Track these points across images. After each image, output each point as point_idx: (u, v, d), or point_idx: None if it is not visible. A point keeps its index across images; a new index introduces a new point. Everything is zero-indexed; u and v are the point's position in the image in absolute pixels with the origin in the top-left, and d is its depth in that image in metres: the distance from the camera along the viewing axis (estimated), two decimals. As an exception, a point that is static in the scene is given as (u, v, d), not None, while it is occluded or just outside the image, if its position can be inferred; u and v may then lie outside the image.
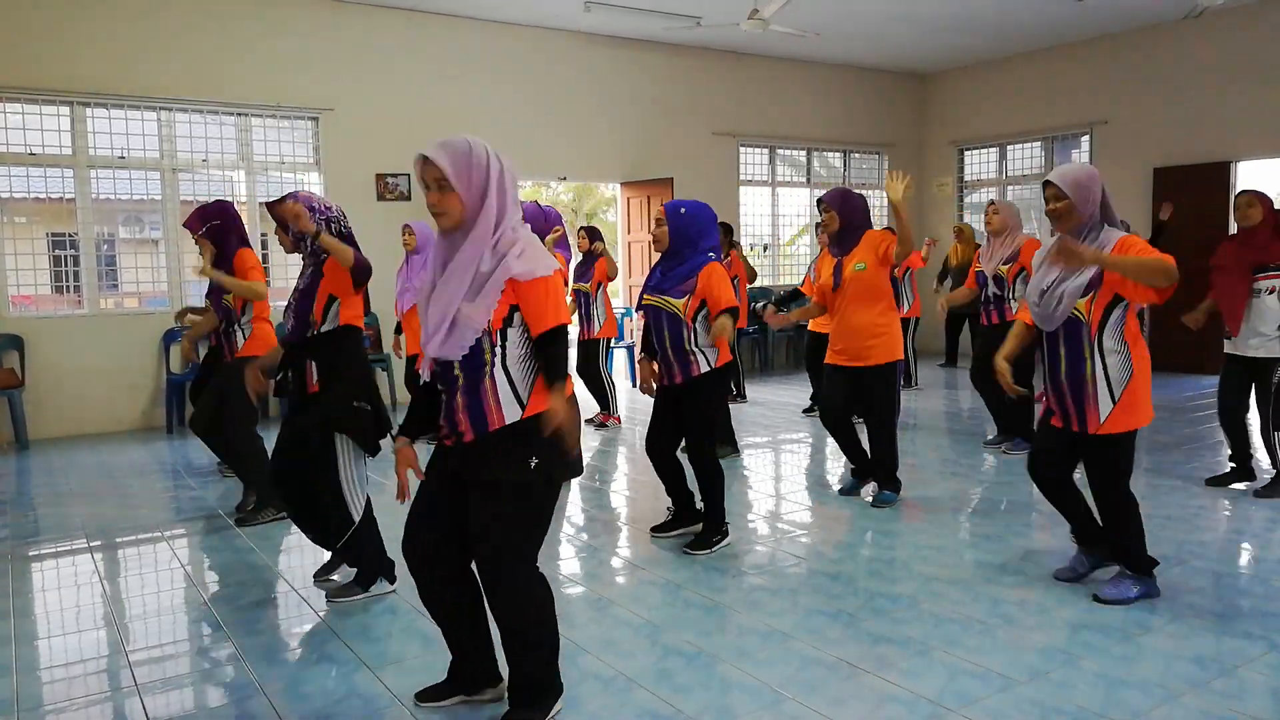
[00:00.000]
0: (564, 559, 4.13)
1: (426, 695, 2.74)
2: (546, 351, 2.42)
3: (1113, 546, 3.48)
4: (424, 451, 2.50)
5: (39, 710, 2.77)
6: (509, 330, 2.39)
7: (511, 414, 2.38)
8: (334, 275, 3.48)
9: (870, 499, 4.82)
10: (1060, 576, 3.65)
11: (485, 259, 2.35)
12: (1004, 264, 5.64)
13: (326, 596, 3.60)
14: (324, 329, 3.50)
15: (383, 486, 5.45)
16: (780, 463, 5.97)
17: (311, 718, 2.67)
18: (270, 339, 4.73)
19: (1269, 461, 4.91)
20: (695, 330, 4.00)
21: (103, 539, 4.53)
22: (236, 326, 4.73)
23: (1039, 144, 11.10)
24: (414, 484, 2.55)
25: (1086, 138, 10.57)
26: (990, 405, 6.09)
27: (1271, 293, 4.67)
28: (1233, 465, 5.08)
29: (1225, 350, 4.90)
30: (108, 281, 8.13)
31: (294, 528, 4.38)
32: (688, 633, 3.21)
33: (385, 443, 3.49)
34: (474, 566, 2.51)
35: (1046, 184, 3.35)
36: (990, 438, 6.22)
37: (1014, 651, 2.98)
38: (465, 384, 2.39)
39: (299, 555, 4.24)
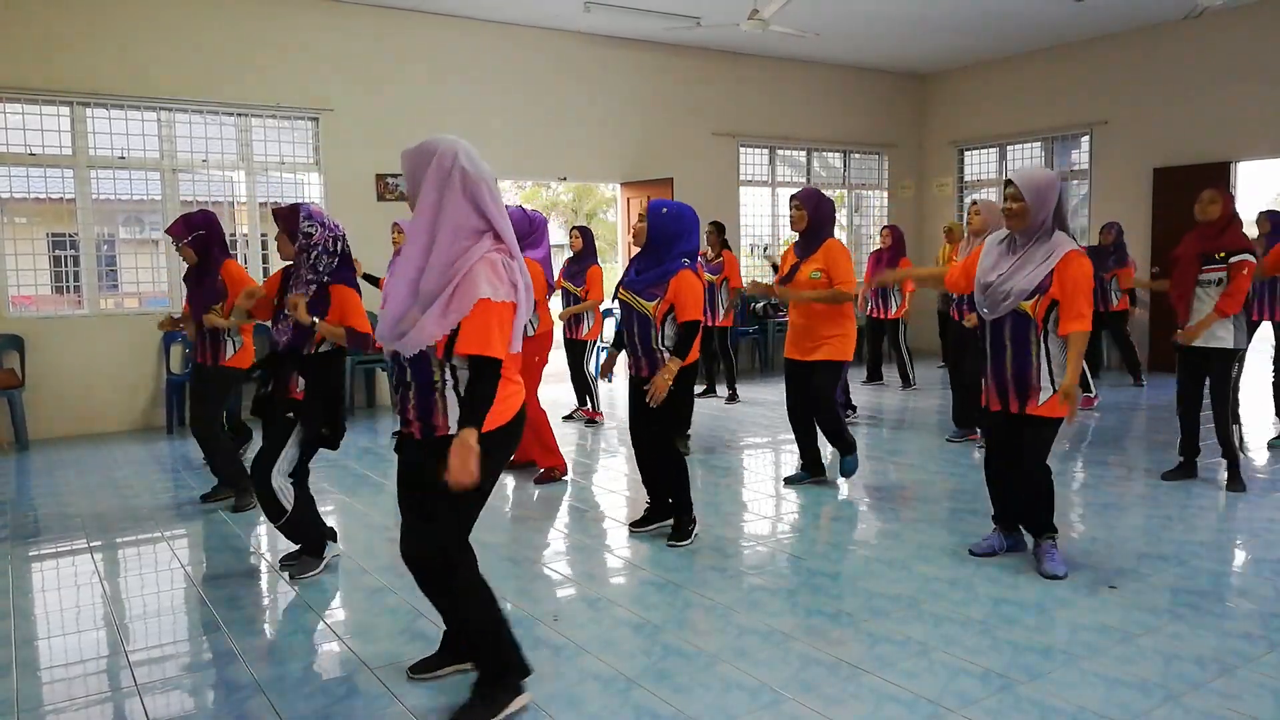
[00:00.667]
0: (563, 559, 4.14)
1: (419, 667, 2.90)
2: (471, 387, 2.37)
3: (1031, 519, 3.78)
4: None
5: (39, 710, 2.77)
6: (458, 364, 2.42)
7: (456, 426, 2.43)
8: (342, 312, 3.67)
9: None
10: (976, 551, 3.94)
11: (431, 273, 2.37)
12: None
13: (290, 576, 3.84)
14: (321, 349, 3.71)
15: (382, 486, 5.45)
16: (779, 463, 5.97)
17: (311, 718, 2.67)
18: (251, 357, 4.90)
19: (1225, 454, 4.96)
20: (662, 332, 4.06)
21: (103, 539, 4.53)
22: (225, 336, 4.83)
23: (1039, 144, 11.10)
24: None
25: (1086, 138, 10.56)
26: (959, 400, 6.38)
27: (1218, 284, 4.76)
28: (1182, 459, 5.20)
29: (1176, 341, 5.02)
30: (108, 282, 8.12)
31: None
32: (688, 633, 3.21)
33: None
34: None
35: (1008, 183, 3.52)
36: (952, 433, 6.46)
37: (1014, 651, 2.99)
38: (417, 394, 2.48)
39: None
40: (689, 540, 4.18)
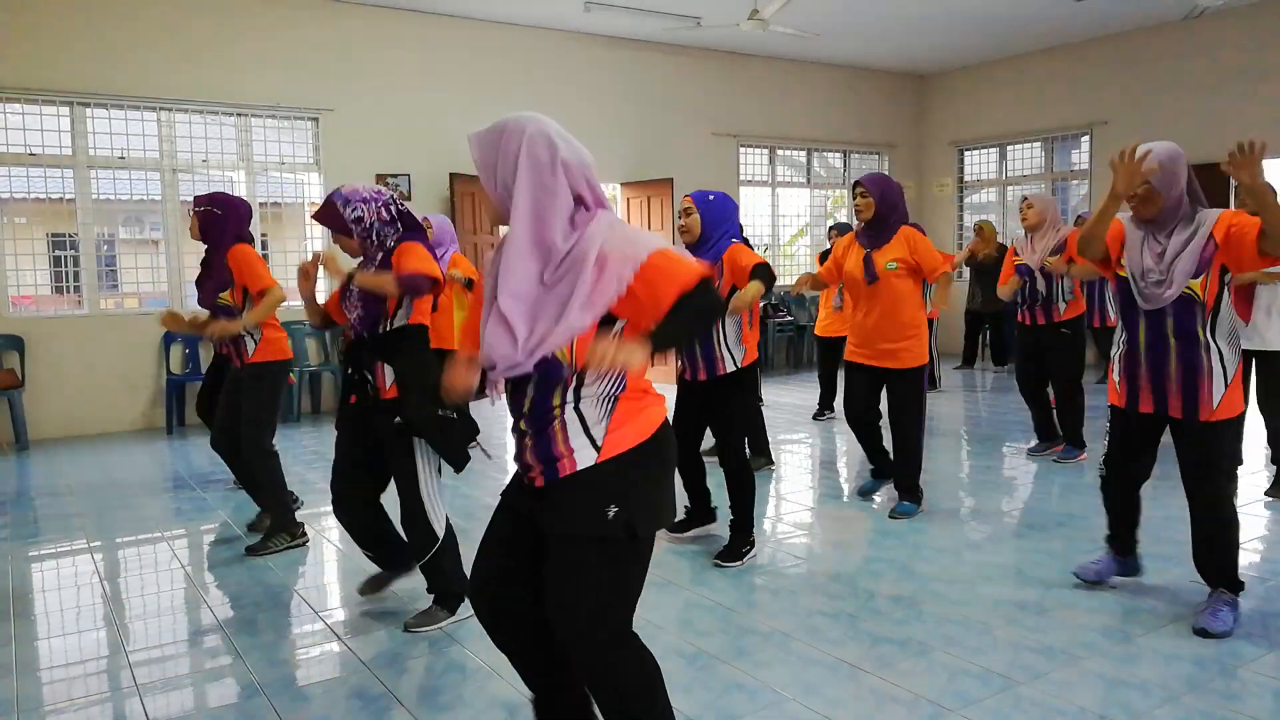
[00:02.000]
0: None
1: None
2: (673, 317, 1.82)
3: (1211, 563, 3.22)
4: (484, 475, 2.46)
5: (39, 711, 2.77)
6: (587, 379, 1.92)
7: (585, 458, 1.90)
8: (398, 263, 3.14)
9: (884, 507, 4.77)
10: (1084, 576, 3.54)
11: (552, 263, 1.86)
12: (1051, 254, 5.34)
13: (406, 626, 3.29)
14: (395, 324, 3.22)
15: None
16: (781, 463, 5.97)
17: (311, 718, 2.67)
18: (284, 345, 4.26)
19: (1274, 459, 4.91)
20: (725, 329, 3.85)
21: (103, 539, 4.53)
22: (243, 331, 4.20)
23: (1039, 144, 11.10)
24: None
25: (1086, 138, 10.57)
26: (1036, 410, 5.83)
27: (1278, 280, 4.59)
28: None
29: None
30: (108, 282, 8.14)
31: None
32: (688, 633, 3.21)
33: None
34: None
35: None
36: (1034, 445, 5.95)
37: (1014, 651, 2.98)
38: (531, 428, 1.95)
39: (298, 555, 4.23)
40: (739, 563, 3.92)
